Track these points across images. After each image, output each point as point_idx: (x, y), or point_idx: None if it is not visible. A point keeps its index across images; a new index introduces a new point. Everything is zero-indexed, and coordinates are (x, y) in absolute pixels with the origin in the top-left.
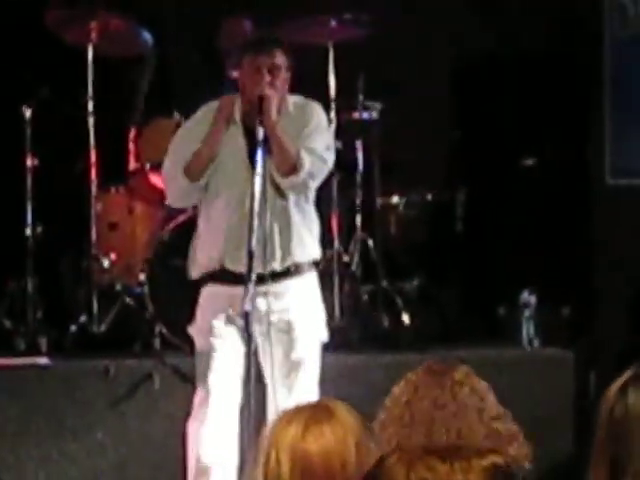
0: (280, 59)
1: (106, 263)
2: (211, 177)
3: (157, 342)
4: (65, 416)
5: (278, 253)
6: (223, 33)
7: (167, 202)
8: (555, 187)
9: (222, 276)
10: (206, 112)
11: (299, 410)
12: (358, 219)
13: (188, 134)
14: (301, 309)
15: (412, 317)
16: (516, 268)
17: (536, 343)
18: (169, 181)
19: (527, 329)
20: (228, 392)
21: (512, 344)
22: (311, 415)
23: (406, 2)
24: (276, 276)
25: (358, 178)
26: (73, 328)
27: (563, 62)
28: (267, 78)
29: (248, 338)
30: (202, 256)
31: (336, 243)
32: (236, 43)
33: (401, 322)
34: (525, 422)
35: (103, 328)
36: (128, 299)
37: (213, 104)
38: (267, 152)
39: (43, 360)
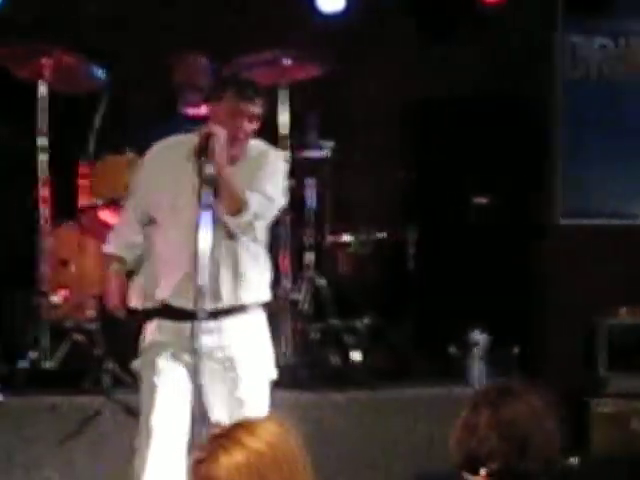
0: (260, 110)
1: (56, 299)
2: (160, 212)
3: (107, 379)
4: (14, 452)
5: (225, 293)
6: (178, 69)
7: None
8: (507, 226)
9: (167, 312)
10: (155, 153)
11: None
12: (309, 257)
13: (138, 184)
14: (246, 347)
15: (362, 355)
16: (467, 307)
17: (486, 382)
18: (114, 230)
19: (477, 368)
20: (173, 430)
21: (462, 383)
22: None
23: (361, 41)
24: (222, 313)
25: (309, 216)
26: (23, 364)
27: (516, 103)
28: (245, 124)
29: (195, 375)
30: (147, 290)
31: (286, 281)
32: (191, 79)
33: (351, 360)
34: None
35: (53, 364)
36: (78, 335)
37: (166, 142)
38: (216, 190)
39: None
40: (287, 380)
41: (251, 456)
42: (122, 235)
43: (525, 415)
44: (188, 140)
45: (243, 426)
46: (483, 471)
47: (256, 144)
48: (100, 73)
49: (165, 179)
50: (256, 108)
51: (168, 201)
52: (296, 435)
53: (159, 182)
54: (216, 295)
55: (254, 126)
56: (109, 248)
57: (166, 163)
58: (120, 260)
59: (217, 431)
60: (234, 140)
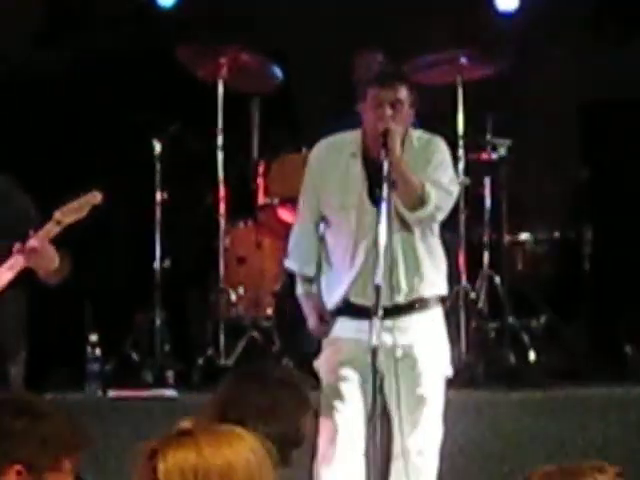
0: (403, 94)
1: (234, 297)
2: (330, 212)
3: None
4: None
5: (403, 287)
6: (356, 67)
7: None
8: None
9: (347, 310)
10: (320, 152)
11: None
12: (485, 256)
13: (308, 184)
14: (426, 344)
15: (538, 354)
16: None
17: None
18: (292, 238)
19: None
20: (354, 430)
21: (638, 383)
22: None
23: (536, 40)
24: (401, 310)
25: (486, 215)
26: (200, 361)
27: None
28: (389, 112)
29: (374, 374)
30: (325, 290)
31: (463, 280)
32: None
33: (527, 359)
34: None
35: (230, 361)
36: (255, 333)
37: (330, 140)
38: (392, 186)
39: (170, 392)
40: (463, 378)
41: (200, 463)
42: (300, 247)
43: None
44: (352, 137)
45: (209, 432)
46: None
47: (418, 134)
48: (277, 72)
49: (332, 178)
50: (397, 93)
51: (337, 200)
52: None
53: (326, 182)
54: (394, 290)
55: (403, 113)
56: (290, 264)
57: (332, 162)
58: (304, 278)
59: (183, 427)
60: (390, 131)
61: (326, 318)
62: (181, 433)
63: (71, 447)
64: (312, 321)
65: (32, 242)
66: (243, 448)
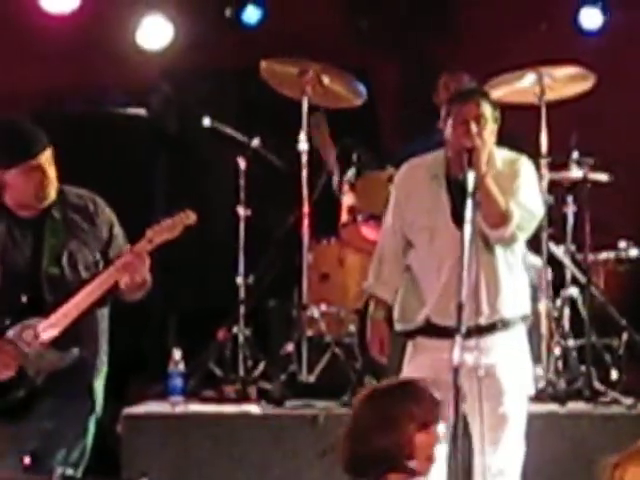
0: (486, 109)
1: (316, 313)
2: (415, 234)
3: None
4: (272, 464)
5: (485, 307)
6: (441, 87)
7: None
8: None
9: (429, 330)
10: (404, 175)
11: None
12: (568, 274)
13: (393, 206)
14: (508, 364)
15: (620, 373)
16: None
17: None
18: (375, 261)
19: None
20: None
21: None
22: None
23: (619, 57)
24: (483, 330)
25: (568, 233)
26: (283, 377)
27: None
28: (474, 129)
29: (456, 392)
30: (408, 310)
31: (545, 297)
32: None
33: (609, 378)
34: None
35: (312, 378)
36: (337, 349)
37: (413, 162)
38: (476, 204)
39: (252, 408)
40: (545, 397)
41: None
42: (382, 271)
43: None
44: (435, 159)
45: None
46: None
47: (503, 154)
48: (362, 89)
49: (416, 200)
50: (480, 108)
51: (421, 222)
52: None
53: (411, 203)
54: (476, 310)
55: (487, 129)
56: (370, 287)
57: (416, 183)
58: (380, 302)
59: None
60: (475, 148)
61: (385, 350)
62: None
63: None
64: (374, 348)
65: (126, 258)
66: None
